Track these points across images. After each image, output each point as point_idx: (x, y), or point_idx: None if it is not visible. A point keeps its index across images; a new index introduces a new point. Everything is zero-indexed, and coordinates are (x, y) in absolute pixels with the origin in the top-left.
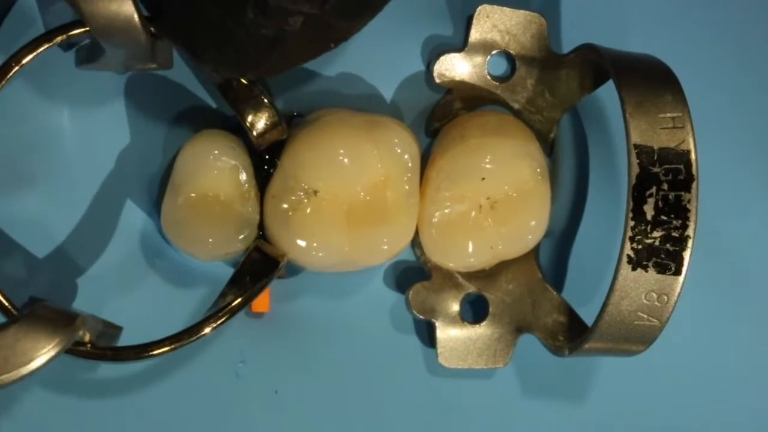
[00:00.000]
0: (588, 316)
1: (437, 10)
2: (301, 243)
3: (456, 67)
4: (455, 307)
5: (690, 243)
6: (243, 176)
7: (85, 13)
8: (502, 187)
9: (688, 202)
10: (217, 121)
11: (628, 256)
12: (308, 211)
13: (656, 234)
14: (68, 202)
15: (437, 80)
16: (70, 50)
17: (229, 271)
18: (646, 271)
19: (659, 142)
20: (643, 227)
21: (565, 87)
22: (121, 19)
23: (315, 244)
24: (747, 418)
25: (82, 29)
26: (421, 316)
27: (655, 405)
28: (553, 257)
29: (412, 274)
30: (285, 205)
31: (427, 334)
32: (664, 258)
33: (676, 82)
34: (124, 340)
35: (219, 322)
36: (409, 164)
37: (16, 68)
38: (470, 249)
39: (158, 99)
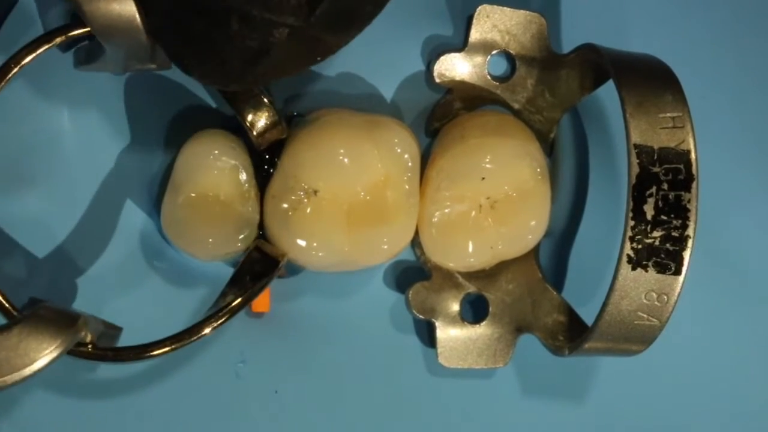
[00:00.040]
0: (588, 316)
1: (437, 10)
2: (301, 243)
3: (456, 67)
4: (455, 307)
5: (690, 243)
6: (243, 176)
7: (86, 13)
8: (502, 187)
9: (688, 201)
10: (217, 121)
11: (628, 255)
12: (308, 210)
13: (656, 234)
14: (68, 203)
15: (437, 80)
16: (69, 51)
17: (229, 271)
18: (646, 271)
19: (659, 142)
20: (643, 227)
21: (565, 87)
22: (123, 20)
23: (315, 244)
24: (747, 418)
25: (83, 30)
26: (421, 316)
27: (655, 405)
28: (553, 257)
29: (412, 274)
30: (285, 205)
31: (427, 334)
32: (664, 258)
33: (676, 82)
34: (125, 341)
35: (219, 322)
36: (409, 164)
37: (16, 69)
38: (470, 249)
39: (158, 99)
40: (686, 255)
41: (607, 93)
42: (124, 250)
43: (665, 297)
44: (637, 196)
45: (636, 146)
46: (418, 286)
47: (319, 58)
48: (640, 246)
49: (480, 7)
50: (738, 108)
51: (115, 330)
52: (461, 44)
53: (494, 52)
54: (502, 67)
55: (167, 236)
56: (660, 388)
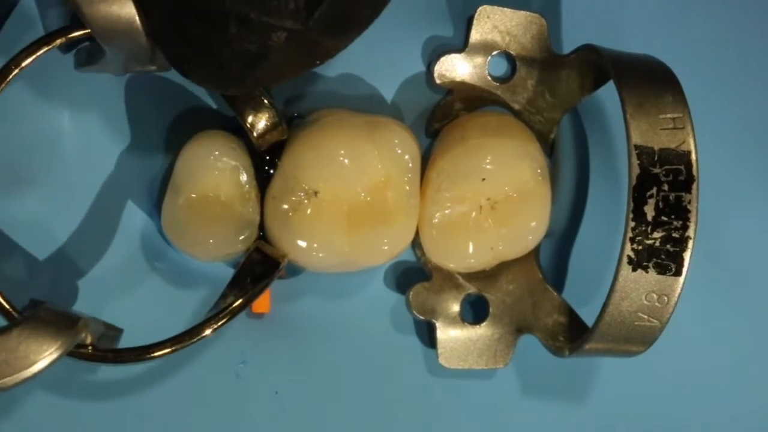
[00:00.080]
0: (588, 316)
1: (437, 11)
2: (302, 244)
3: (456, 67)
4: (455, 307)
5: (690, 244)
6: (243, 177)
7: (86, 15)
8: (502, 188)
9: (689, 202)
10: (218, 122)
11: (629, 256)
12: (309, 211)
13: (657, 235)
14: (68, 204)
15: (438, 81)
16: (70, 52)
17: (230, 272)
18: (647, 272)
19: (660, 143)
20: (643, 228)
21: (565, 88)
22: (123, 22)
23: (315, 245)
24: (747, 418)
25: (83, 31)
26: (422, 317)
27: (656, 405)
28: (554, 258)
29: (412, 274)
30: (285, 206)
31: (427, 335)
32: (665, 259)
33: (676, 83)
34: (125, 342)
35: (220, 324)
36: (410, 165)
37: (16, 71)
38: (470, 250)
39: (158, 100)
40: (687, 256)
41: (608, 94)
42: (125, 251)
43: (666, 298)
44: (638, 197)
45: (636, 147)
46: (419, 286)
47: (317, 62)
48: (640, 247)
49: (480, 8)
50: (738, 108)
51: (115, 331)
52: (461, 45)
53: (494, 52)
54: (502, 67)
55: (168, 237)
56: (660, 388)
